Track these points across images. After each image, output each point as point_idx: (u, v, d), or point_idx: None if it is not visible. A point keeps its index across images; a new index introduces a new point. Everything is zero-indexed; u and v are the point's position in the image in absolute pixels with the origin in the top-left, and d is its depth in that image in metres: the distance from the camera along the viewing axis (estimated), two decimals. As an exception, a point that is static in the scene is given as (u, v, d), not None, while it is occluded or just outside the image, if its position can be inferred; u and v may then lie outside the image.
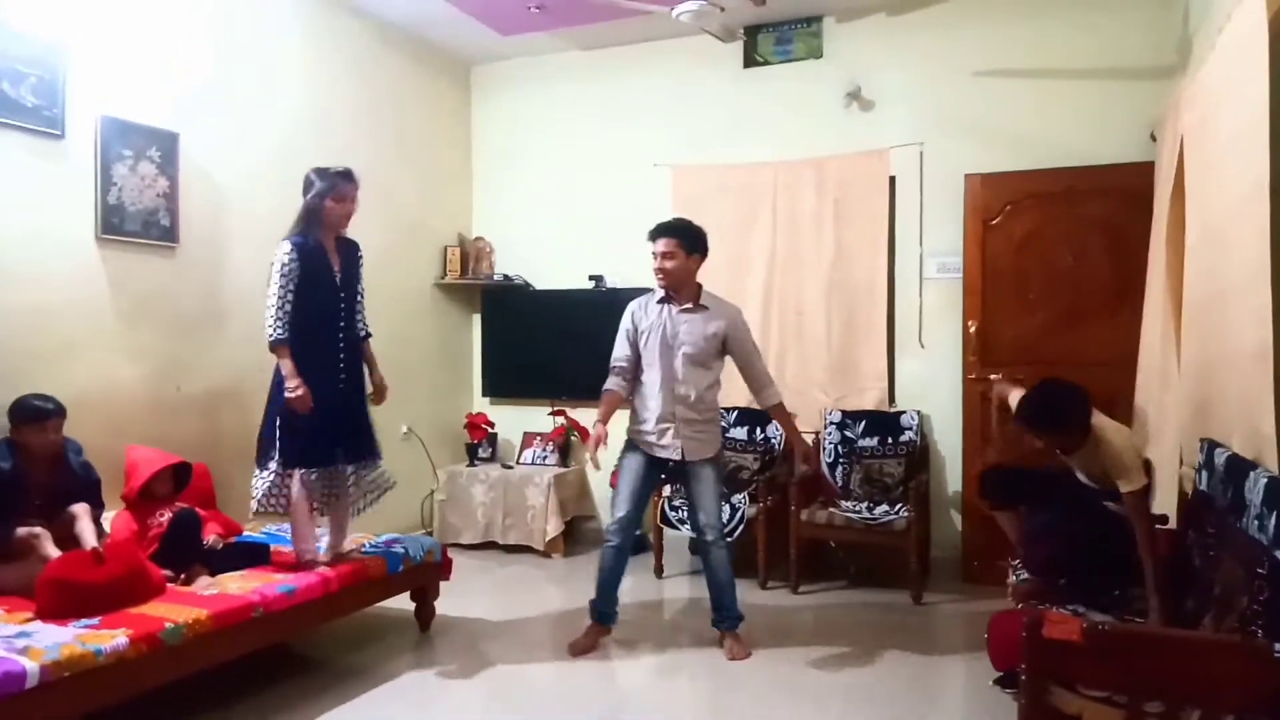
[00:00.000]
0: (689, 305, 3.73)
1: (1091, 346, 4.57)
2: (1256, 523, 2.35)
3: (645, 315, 3.77)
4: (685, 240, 3.69)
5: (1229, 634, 2.26)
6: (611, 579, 3.78)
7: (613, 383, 3.80)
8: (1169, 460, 3.64)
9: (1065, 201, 4.66)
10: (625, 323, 3.84)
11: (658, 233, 3.73)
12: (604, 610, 3.81)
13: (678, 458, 3.71)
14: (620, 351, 3.81)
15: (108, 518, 3.35)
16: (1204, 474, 2.93)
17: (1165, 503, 3.59)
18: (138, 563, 2.98)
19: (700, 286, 3.77)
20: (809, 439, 5.18)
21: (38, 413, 3.14)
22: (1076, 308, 4.65)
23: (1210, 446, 2.93)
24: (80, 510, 3.16)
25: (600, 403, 3.75)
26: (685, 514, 4.74)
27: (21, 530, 3.00)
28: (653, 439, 3.72)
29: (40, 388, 3.30)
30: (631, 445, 3.82)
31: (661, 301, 3.75)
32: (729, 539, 4.06)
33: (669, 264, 3.66)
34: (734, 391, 5.31)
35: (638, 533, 5.36)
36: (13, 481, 3.04)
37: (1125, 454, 2.99)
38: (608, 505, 5.56)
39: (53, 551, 2.97)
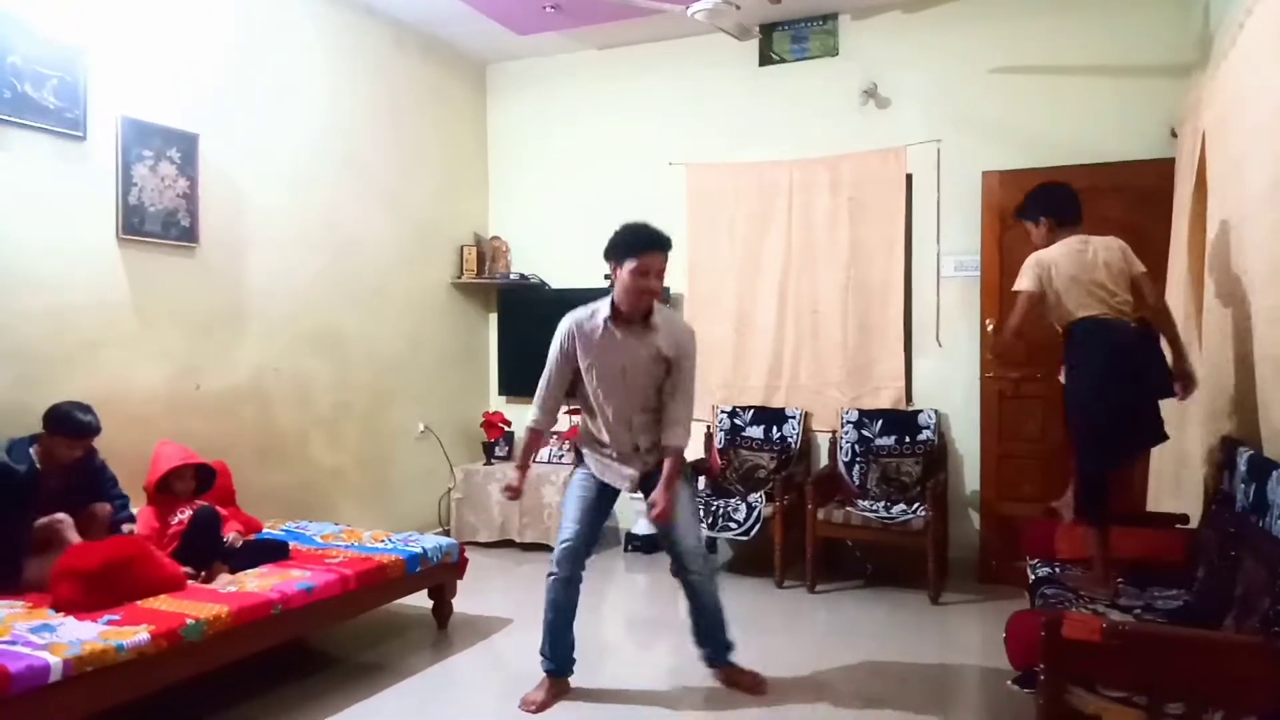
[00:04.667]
0: (641, 324, 3.16)
1: (1111, 345, 4.53)
2: (1279, 523, 2.33)
3: (588, 338, 3.17)
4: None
5: (1251, 635, 2.24)
6: (563, 620, 3.19)
7: (542, 421, 3.25)
8: (1191, 459, 3.61)
9: (1084, 199, 4.58)
10: (560, 345, 3.23)
11: (660, 245, 3.11)
12: (558, 660, 3.21)
13: (636, 481, 3.25)
14: (555, 381, 3.24)
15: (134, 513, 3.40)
16: (1225, 474, 2.91)
17: (1191, 503, 3.57)
18: (141, 549, 3.00)
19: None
20: (825, 439, 5.20)
21: (79, 429, 3.12)
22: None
23: (1232, 446, 2.91)
24: (101, 511, 3.21)
25: (521, 445, 3.25)
26: (701, 513, 4.73)
27: (43, 520, 3.04)
28: (611, 466, 3.25)
29: (64, 386, 3.34)
30: (582, 460, 3.32)
31: (609, 320, 3.15)
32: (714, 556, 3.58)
33: (661, 284, 3.15)
34: (748, 390, 5.35)
35: (653, 532, 5.39)
36: (29, 485, 3.04)
37: (1027, 262, 3.16)
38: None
39: (75, 538, 3.02)
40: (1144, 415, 3.04)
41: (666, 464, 3.15)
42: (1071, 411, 3.15)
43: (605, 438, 3.22)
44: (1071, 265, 3.11)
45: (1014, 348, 4.59)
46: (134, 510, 3.41)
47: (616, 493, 3.33)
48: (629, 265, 3.06)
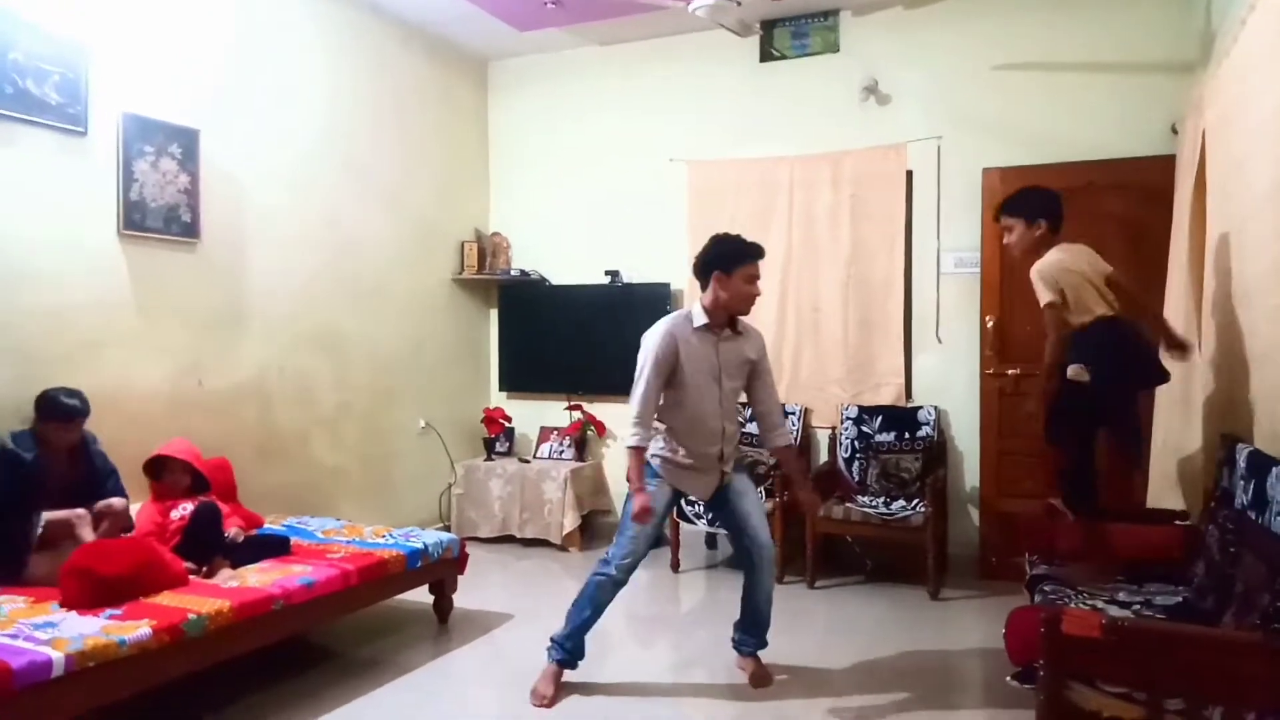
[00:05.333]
0: (730, 330, 3.23)
1: (1111, 342, 4.53)
2: (1279, 519, 2.33)
3: (687, 345, 3.15)
4: None
5: (1250, 631, 2.24)
6: (597, 619, 3.28)
7: (645, 438, 3.15)
8: (1191, 456, 3.62)
9: (1084, 196, 4.60)
10: (662, 355, 3.11)
11: (761, 253, 3.19)
12: (575, 652, 3.28)
13: (712, 490, 3.31)
14: (654, 394, 3.14)
15: (133, 509, 3.40)
16: (1225, 470, 2.91)
17: (1192, 499, 3.57)
18: (156, 554, 3.01)
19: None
20: (825, 435, 5.20)
21: (67, 412, 3.20)
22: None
23: (1232, 443, 2.91)
24: (118, 505, 3.23)
25: (632, 464, 3.15)
26: (701, 509, 4.74)
27: (62, 513, 3.05)
28: (694, 477, 3.26)
29: (66, 382, 3.34)
30: (659, 476, 3.24)
31: (704, 328, 3.18)
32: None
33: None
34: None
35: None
36: (37, 472, 3.09)
37: (1042, 273, 3.18)
38: (623, 500, 5.59)
39: (88, 536, 3.03)
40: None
41: (792, 461, 3.55)
42: (1083, 405, 3.16)
43: (694, 446, 3.21)
44: (1082, 267, 3.19)
45: (1012, 346, 4.60)
46: (133, 505, 3.42)
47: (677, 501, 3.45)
48: (742, 271, 3.13)
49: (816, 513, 3.43)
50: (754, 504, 3.32)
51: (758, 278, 3.18)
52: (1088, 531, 3.17)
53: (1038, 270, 3.21)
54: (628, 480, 3.18)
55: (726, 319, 3.21)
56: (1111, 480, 3.55)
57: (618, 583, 3.22)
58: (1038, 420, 3.40)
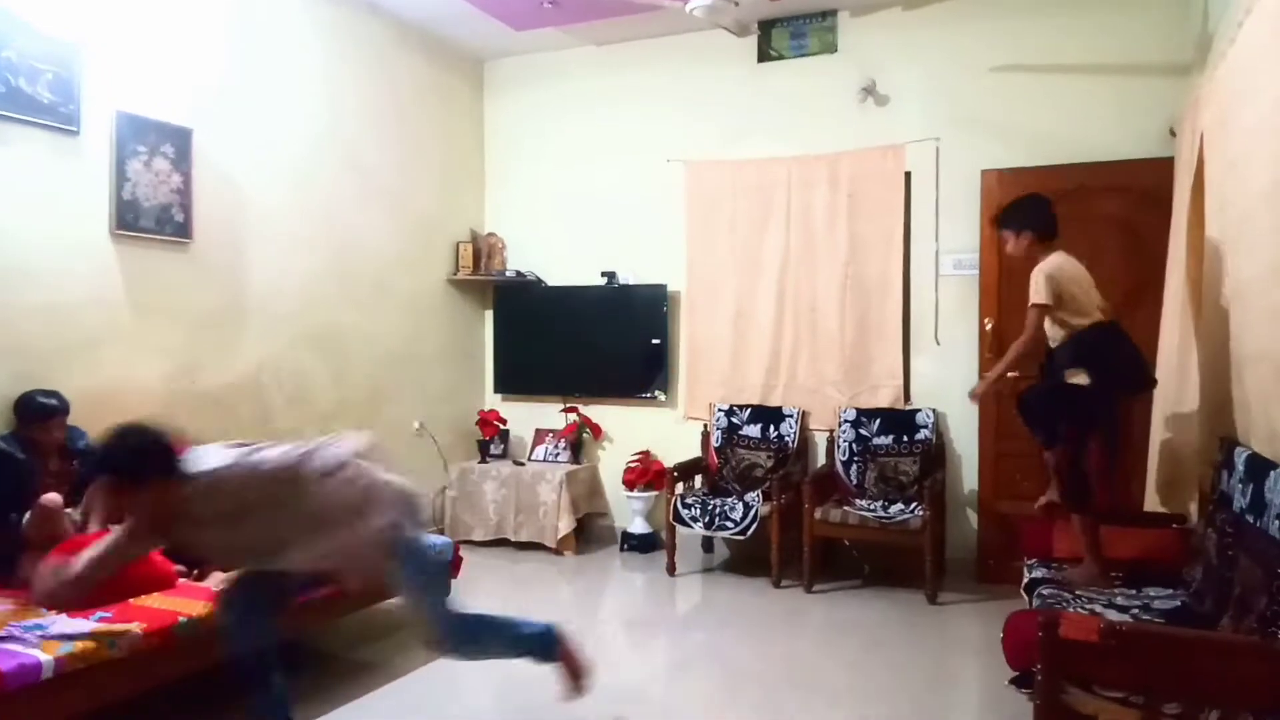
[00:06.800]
0: None
1: (1109, 344, 4.53)
2: (1277, 522, 2.32)
3: None
4: None
5: (1248, 635, 2.23)
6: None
7: None
8: (1189, 459, 3.61)
9: (1082, 198, 4.61)
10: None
11: None
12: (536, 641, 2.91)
13: None
14: None
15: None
16: (1223, 473, 2.90)
17: (1186, 502, 3.56)
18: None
19: None
20: (823, 438, 5.19)
21: (42, 411, 3.20)
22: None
23: (1230, 446, 2.90)
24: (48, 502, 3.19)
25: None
26: (698, 512, 4.74)
27: (41, 502, 3.02)
28: None
29: (57, 383, 3.33)
30: None
31: None
32: None
33: None
34: (745, 389, 5.34)
35: (650, 531, 5.40)
36: (30, 472, 3.09)
37: (1047, 274, 3.24)
38: (619, 503, 5.59)
39: (68, 528, 3.01)
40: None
41: None
42: (1083, 407, 3.24)
43: None
44: (1078, 274, 3.27)
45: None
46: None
47: None
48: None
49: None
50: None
51: None
52: (1088, 529, 3.17)
53: (1043, 271, 3.26)
54: None
55: None
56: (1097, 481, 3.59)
57: None
58: (976, 400, 3.88)
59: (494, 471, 5.54)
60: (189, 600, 2.85)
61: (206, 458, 2.41)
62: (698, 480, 5.19)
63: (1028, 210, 3.46)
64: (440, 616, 2.67)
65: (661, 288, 5.51)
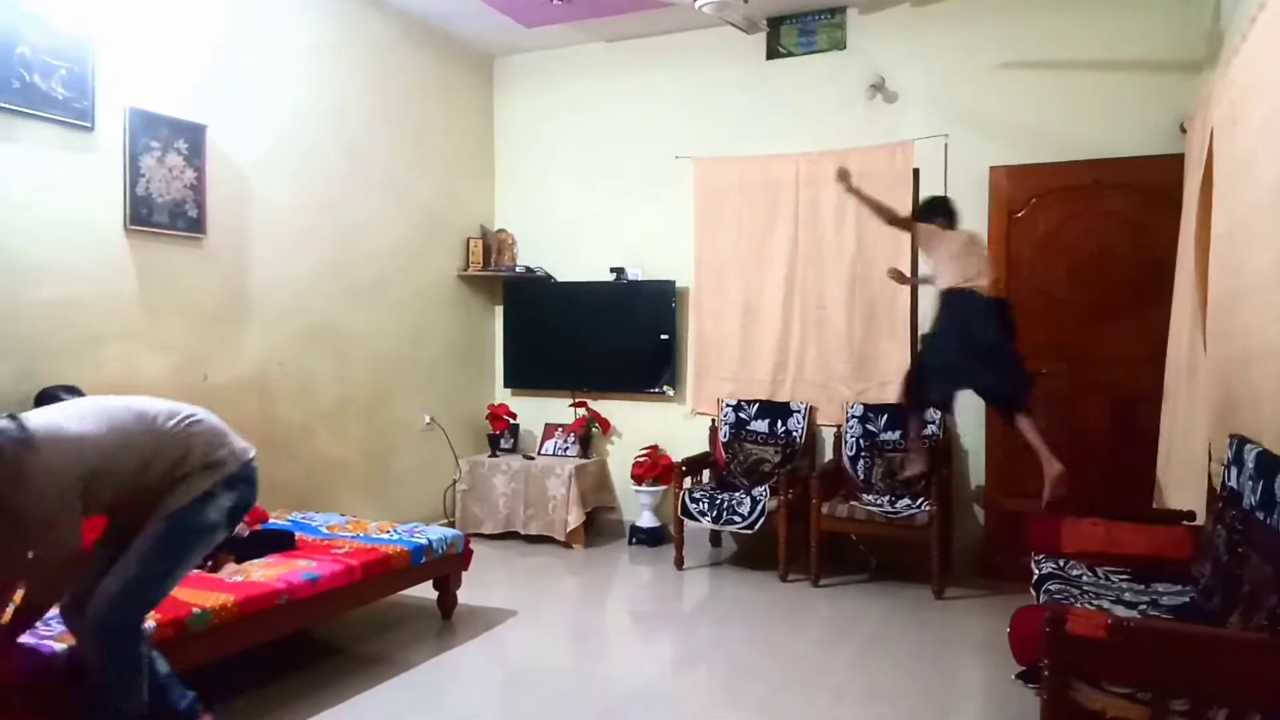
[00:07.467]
0: None
1: (1119, 341, 4.52)
2: (1286, 520, 2.32)
3: None
4: None
5: (1257, 632, 2.23)
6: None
7: None
8: (1198, 456, 3.61)
9: (1091, 194, 4.61)
10: None
11: None
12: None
13: None
14: None
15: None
16: (1233, 470, 2.90)
17: (1194, 499, 3.56)
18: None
19: None
20: (830, 433, 5.19)
21: None
22: (1103, 301, 4.59)
23: (1239, 443, 2.90)
24: None
25: None
26: (705, 507, 4.75)
27: None
28: None
29: (69, 378, 3.35)
30: None
31: None
32: None
33: None
34: (753, 384, 5.34)
35: (658, 525, 5.42)
36: None
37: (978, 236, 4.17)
38: (628, 497, 5.61)
39: None
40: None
41: None
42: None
43: None
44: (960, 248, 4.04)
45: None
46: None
47: None
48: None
49: None
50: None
51: None
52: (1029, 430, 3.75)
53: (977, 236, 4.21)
54: None
55: None
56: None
57: None
58: (898, 281, 4.62)
59: (504, 465, 5.57)
60: (203, 592, 2.87)
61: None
62: (705, 475, 5.21)
63: (940, 206, 4.25)
64: (130, 604, 2.37)
65: (670, 283, 5.51)
